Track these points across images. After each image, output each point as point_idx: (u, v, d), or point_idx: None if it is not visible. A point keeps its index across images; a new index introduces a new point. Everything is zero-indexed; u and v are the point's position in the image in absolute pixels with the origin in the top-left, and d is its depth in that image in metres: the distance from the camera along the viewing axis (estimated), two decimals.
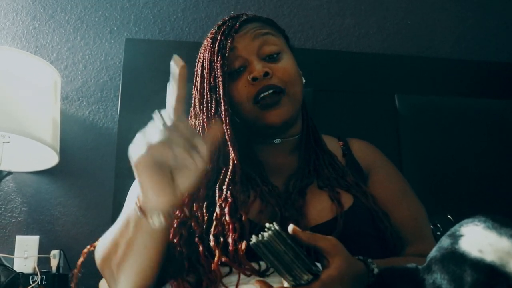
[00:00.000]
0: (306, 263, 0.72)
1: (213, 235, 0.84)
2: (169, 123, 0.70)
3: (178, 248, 0.86)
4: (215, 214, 0.87)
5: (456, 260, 0.62)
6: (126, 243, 0.83)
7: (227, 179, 0.92)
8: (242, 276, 0.83)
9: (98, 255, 0.92)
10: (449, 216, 1.35)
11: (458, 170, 1.59)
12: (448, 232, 0.67)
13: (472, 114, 1.67)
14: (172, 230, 0.88)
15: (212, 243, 0.84)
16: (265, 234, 0.71)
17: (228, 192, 0.90)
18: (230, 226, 0.84)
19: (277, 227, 0.71)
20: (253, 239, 0.71)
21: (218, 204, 0.88)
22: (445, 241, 0.66)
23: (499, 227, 0.62)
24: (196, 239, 0.86)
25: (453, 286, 0.62)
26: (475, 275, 0.59)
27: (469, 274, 0.60)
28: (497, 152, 1.62)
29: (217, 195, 0.91)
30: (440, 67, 1.81)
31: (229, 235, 0.83)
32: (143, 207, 0.77)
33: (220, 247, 0.83)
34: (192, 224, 0.88)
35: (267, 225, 0.72)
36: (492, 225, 0.62)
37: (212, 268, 0.82)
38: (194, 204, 0.91)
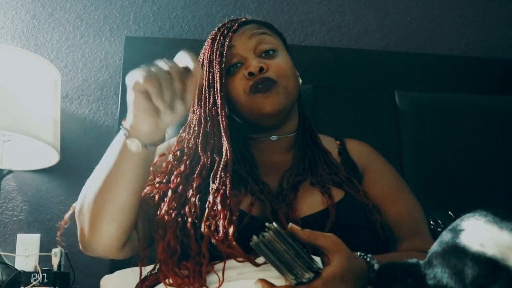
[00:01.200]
0: (307, 261, 0.72)
1: (205, 222, 0.88)
2: (166, 68, 0.80)
3: (173, 235, 0.89)
4: (207, 202, 0.91)
5: (457, 254, 0.62)
6: (108, 167, 0.88)
7: (220, 169, 0.96)
8: (236, 271, 0.84)
9: (81, 194, 0.95)
10: (449, 213, 1.35)
11: (458, 166, 1.59)
12: (449, 227, 0.67)
13: (472, 110, 1.67)
14: (168, 218, 0.91)
15: (203, 228, 0.87)
16: (266, 234, 0.71)
17: (221, 182, 0.94)
18: (222, 214, 0.88)
19: (277, 227, 0.72)
20: (254, 239, 0.71)
21: (211, 193, 0.92)
22: (446, 236, 0.66)
23: (500, 221, 0.62)
24: (188, 225, 0.89)
25: (454, 280, 0.62)
26: (476, 268, 0.59)
27: (470, 268, 0.60)
28: (497, 148, 1.62)
29: (210, 184, 0.94)
30: (440, 63, 1.81)
31: (220, 222, 0.87)
32: (127, 127, 0.85)
33: (211, 231, 0.86)
34: (186, 211, 0.91)
35: (267, 224, 0.73)
36: (493, 219, 0.62)
37: (202, 250, 0.84)
38: (188, 193, 0.95)
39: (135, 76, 0.80)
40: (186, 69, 0.82)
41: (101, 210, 0.89)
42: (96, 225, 0.90)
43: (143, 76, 0.79)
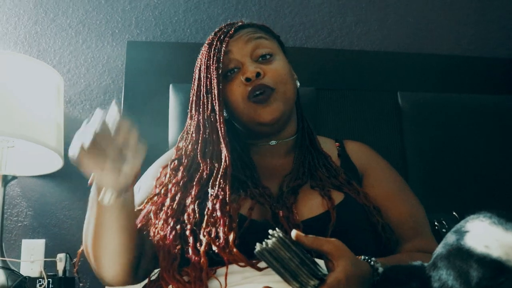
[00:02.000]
0: (311, 268, 0.72)
1: (205, 229, 0.88)
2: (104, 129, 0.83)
3: (173, 242, 0.89)
4: (206, 209, 0.91)
5: (462, 256, 0.62)
6: (93, 219, 0.90)
7: (219, 176, 0.96)
8: (240, 276, 0.84)
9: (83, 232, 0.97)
10: (454, 213, 1.35)
11: (461, 166, 1.58)
12: (454, 228, 0.67)
13: (475, 110, 1.67)
14: (167, 225, 0.92)
15: (202, 235, 0.87)
16: (269, 242, 0.71)
17: (220, 188, 0.93)
18: (221, 221, 0.87)
19: (281, 234, 0.71)
20: (258, 247, 0.71)
21: (210, 200, 0.92)
22: (450, 238, 0.66)
23: (505, 222, 0.62)
24: (188, 232, 0.89)
25: (459, 282, 0.62)
26: (482, 270, 0.59)
27: (475, 270, 0.60)
28: (500, 148, 1.62)
29: (209, 191, 0.94)
30: (442, 64, 1.81)
31: (220, 229, 0.87)
32: (97, 184, 0.87)
33: (212, 238, 0.86)
34: (185, 219, 0.92)
35: (270, 232, 0.72)
36: (497, 221, 0.62)
37: (201, 257, 0.84)
38: (187, 200, 0.95)
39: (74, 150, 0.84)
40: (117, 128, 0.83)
41: (99, 255, 0.92)
42: (100, 268, 0.94)
43: (82, 155, 0.83)
